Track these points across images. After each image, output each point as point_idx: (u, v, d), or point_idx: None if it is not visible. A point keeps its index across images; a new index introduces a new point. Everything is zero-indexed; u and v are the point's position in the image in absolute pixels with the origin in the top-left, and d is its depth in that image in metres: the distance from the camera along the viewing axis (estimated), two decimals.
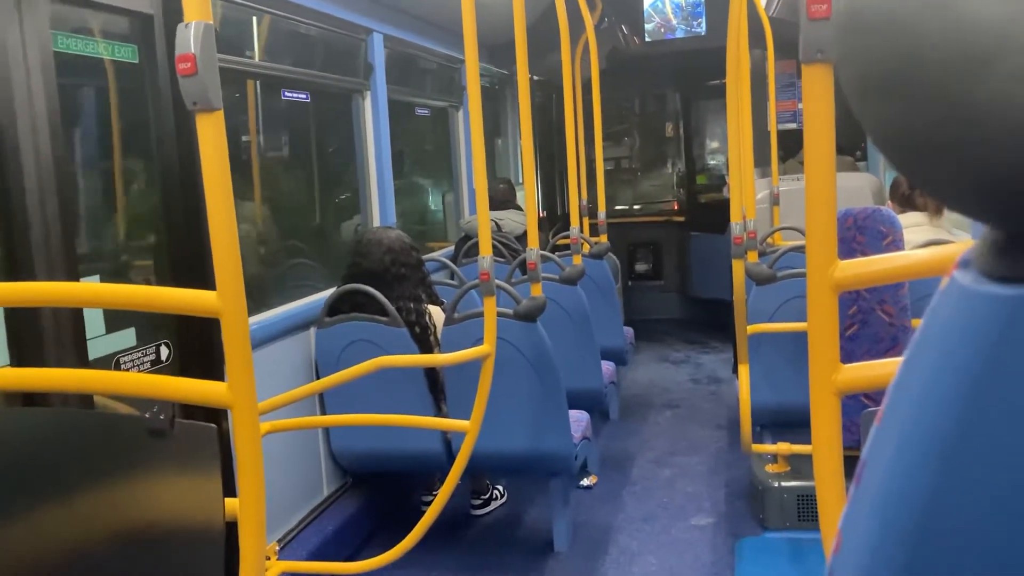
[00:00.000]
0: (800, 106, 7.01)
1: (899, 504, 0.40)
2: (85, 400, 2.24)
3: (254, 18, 3.42)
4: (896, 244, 3.17)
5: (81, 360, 2.30)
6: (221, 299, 1.44)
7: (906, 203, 3.87)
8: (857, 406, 2.91)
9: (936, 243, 3.40)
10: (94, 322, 2.43)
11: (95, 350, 2.42)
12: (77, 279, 2.31)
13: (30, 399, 2.14)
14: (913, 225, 3.69)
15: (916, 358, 0.42)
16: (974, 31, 0.34)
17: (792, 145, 6.56)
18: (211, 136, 1.43)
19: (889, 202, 4.06)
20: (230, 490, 1.52)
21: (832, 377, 1.26)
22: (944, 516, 0.38)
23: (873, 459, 0.44)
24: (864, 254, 3.08)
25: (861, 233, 3.17)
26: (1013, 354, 0.36)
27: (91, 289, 2.10)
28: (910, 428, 0.40)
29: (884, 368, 1.31)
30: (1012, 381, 0.36)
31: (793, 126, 6.95)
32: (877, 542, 0.41)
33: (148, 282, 2.84)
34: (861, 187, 5.33)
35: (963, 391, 0.38)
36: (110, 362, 2.50)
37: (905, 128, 0.38)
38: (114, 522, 1.57)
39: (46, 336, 2.20)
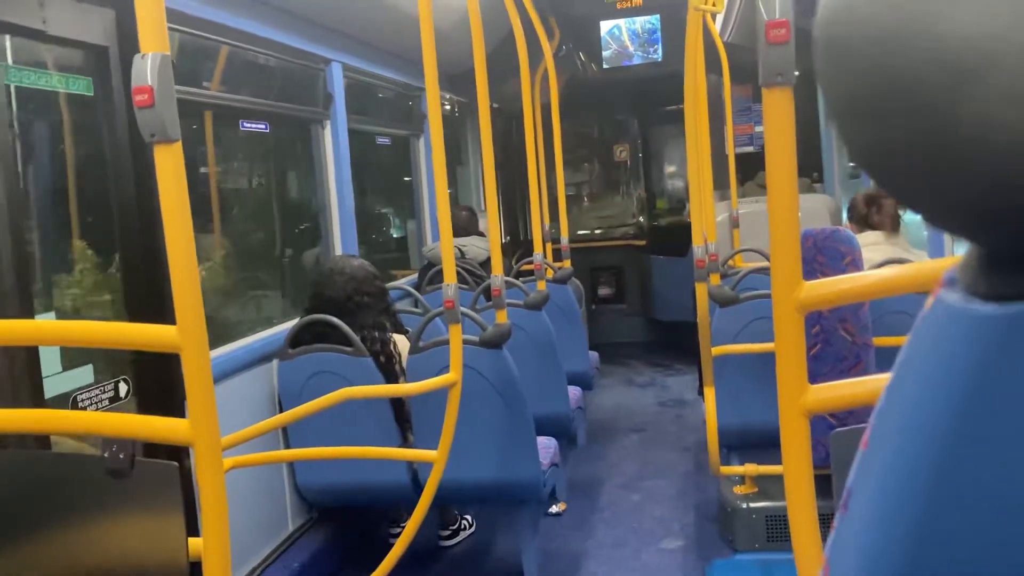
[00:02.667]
0: (757, 129, 7.14)
1: (887, 532, 0.39)
2: (42, 440, 2.18)
3: (212, 48, 3.39)
4: (855, 263, 3.21)
5: (37, 399, 2.24)
6: (181, 334, 1.42)
7: (863, 223, 3.93)
8: (823, 425, 2.93)
9: (894, 262, 3.45)
10: (50, 359, 2.37)
11: (52, 388, 2.36)
12: (32, 316, 2.26)
13: None
14: (871, 244, 3.74)
15: (901, 381, 0.42)
16: (956, 49, 0.34)
17: (750, 168, 6.65)
18: (170, 168, 1.40)
19: (847, 222, 4.11)
20: (194, 528, 1.49)
21: (800, 399, 1.26)
22: (933, 542, 0.37)
23: (859, 486, 0.43)
24: (825, 274, 3.11)
25: (821, 254, 3.21)
26: (1002, 374, 0.36)
27: (47, 327, 2.05)
28: (897, 454, 0.40)
29: (851, 388, 1.32)
30: (1002, 401, 0.36)
31: (750, 149, 7.05)
32: (866, 572, 0.40)
33: (106, 318, 2.78)
34: (818, 208, 5.42)
35: (952, 413, 0.37)
36: (67, 400, 2.44)
37: (888, 147, 0.37)
38: (75, 564, 1.52)
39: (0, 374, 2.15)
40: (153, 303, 2.68)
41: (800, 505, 1.33)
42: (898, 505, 0.39)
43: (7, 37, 2.32)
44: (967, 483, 0.36)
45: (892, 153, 0.37)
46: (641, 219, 8.21)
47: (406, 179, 5.86)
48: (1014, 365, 0.35)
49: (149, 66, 1.39)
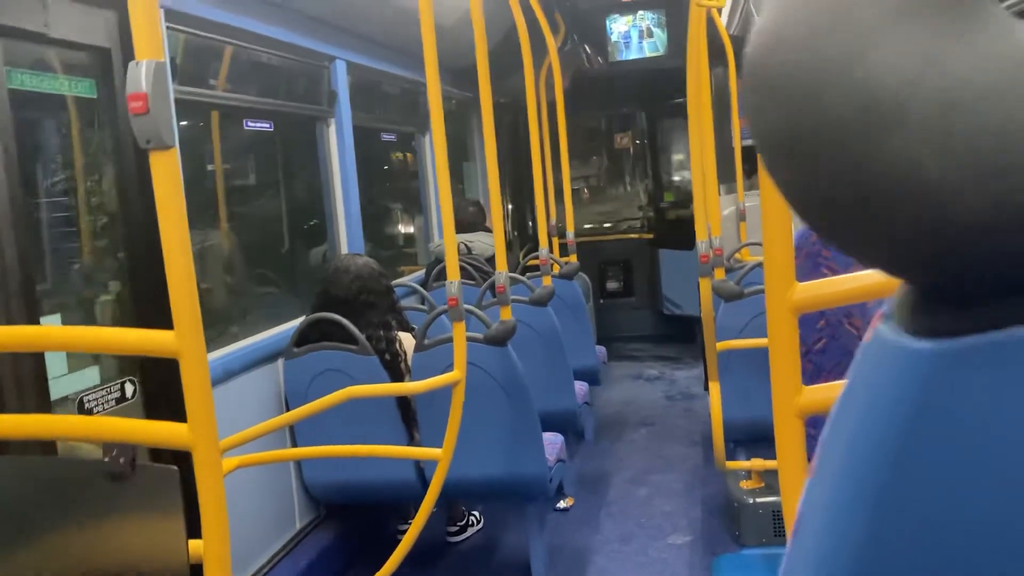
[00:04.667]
0: None
1: (832, 559, 0.39)
2: (46, 443, 2.19)
3: (216, 48, 3.40)
4: None
5: (43, 401, 2.26)
6: (179, 339, 1.43)
7: None
8: (822, 422, 2.92)
9: None
10: (56, 361, 2.39)
11: (58, 390, 2.38)
12: (37, 321, 2.28)
13: None
14: None
15: (843, 411, 0.42)
16: (874, 94, 0.34)
17: (756, 161, 6.61)
18: (166, 175, 1.41)
19: None
20: (197, 531, 1.50)
21: (794, 400, 1.26)
22: (875, 570, 0.38)
23: (807, 513, 0.43)
24: (831, 269, 3.10)
25: (827, 247, 3.20)
26: (934, 408, 0.36)
27: (47, 332, 2.06)
28: (838, 484, 0.40)
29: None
30: (934, 435, 0.36)
31: None
32: None
33: (112, 320, 2.80)
34: None
35: (887, 445, 0.37)
36: (74, 402, 2.46)
37: (810, 187, 0.38)
38: (76, 568, 1.53)
39: (5, 377, 2.16)
40: (159, 307, 2.69)
41: (796, 504, 1.33)
42: (841, 533, 0.39)
43: (10, 41, 2.33)
44: (904, 513, 0.37)
45: (815, 193, 0.38)
46: (649, 213, 8.20)
47: (413, 175, 5.87)
48: (945, 399, 0.36)
49: (144, 73, 1.39)
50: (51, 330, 2.24)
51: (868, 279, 1.35)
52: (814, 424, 1.40)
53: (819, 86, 0.35)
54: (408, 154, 5.95)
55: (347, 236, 4.32)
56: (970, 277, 0.36)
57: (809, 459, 1.34)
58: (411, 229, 6.14)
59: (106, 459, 1.45)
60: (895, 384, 0.38)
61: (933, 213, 0.34)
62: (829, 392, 1.27)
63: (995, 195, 0.33)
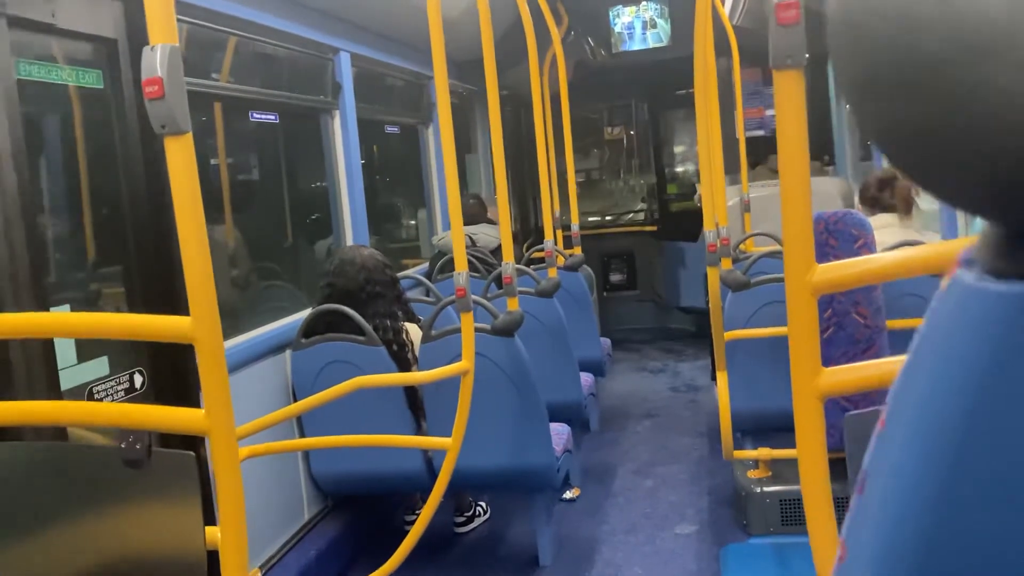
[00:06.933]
0: (767, 113, 7.11)
1: (905, 512, 0.39)
2: (59, 432, 2.19)
3: (221, 40, 3.39)
4: (868, 246, 3.19)
5: (53, 391, 2.26)
6: (195, 325, 1.42)
7: (875, 205, 3.91)
8: (836, 409, 2.92)
9: (907, 244, 3.43)
10: (65, 352, 2.38)
11: (67, 380, 2.38)
12: (47, 309, 2.27)
13: (2, 433, 2.09)
14: (883, 226, 3.72)
15: (918, 361, 0.41)
16: (975, 24, 0.33)
17: (760, 152, 6.61)
18: (180, 159, 1.41)
19: (859, 205, 4.09)
20: (210, 518, 1.50)
21: (814, 382, 1.26)
22: (952, 522, 0.37)
23: (875, 468, 0.43)
24: (837, 258, 3.10)
25: (833, 237, 3.19)
26: (1019, 352, 0.35)
27: (62, 319, 2.06)
28: (914, 434, 0.39)
29: (865, 371, 1.32)
30: (1019, 380, 0.35)
31: (761, 133, 7.02)
32: (883, 552, 0.40)
33: (120, 310, 2.79)
34: (830, 191, 5.38)
35: (970, 391, 0.37)
36: (83, 392, 2.46)
37: (906, 124, 0.37)
38: (93, 555, 1.53)
39: (16, 368, 2.16)
40: (167, 295, 2.70)
41: (815, 488, 1.33)
42: (915, 486, 0.39)
43: (17, 32, 2.32)
44: (985, 463, 0.36)
45: (910, 133, 0.37)
46: (653, 205, 8.19)
47: (416, 168, 5.86)
48: None
49: (159, 58, 1.39)
50: (67, 316, 2.24)
51: (886, 260, 1.35)
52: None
53: (916, 19, 0.34)
54: (411, 147, 5.93)
55: (352, 228, 4.32)
56: None
57: (827, 444, 1.33)
58: (413, 222, 6.13)
59: (122, 445, 1.45)
60: (978, 328, 0.37)
61: None
62: (849, 374, 1.27)
63: None
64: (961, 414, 0.37)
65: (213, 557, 1.51)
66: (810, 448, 1.28)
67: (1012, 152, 0.34)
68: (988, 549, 0.36)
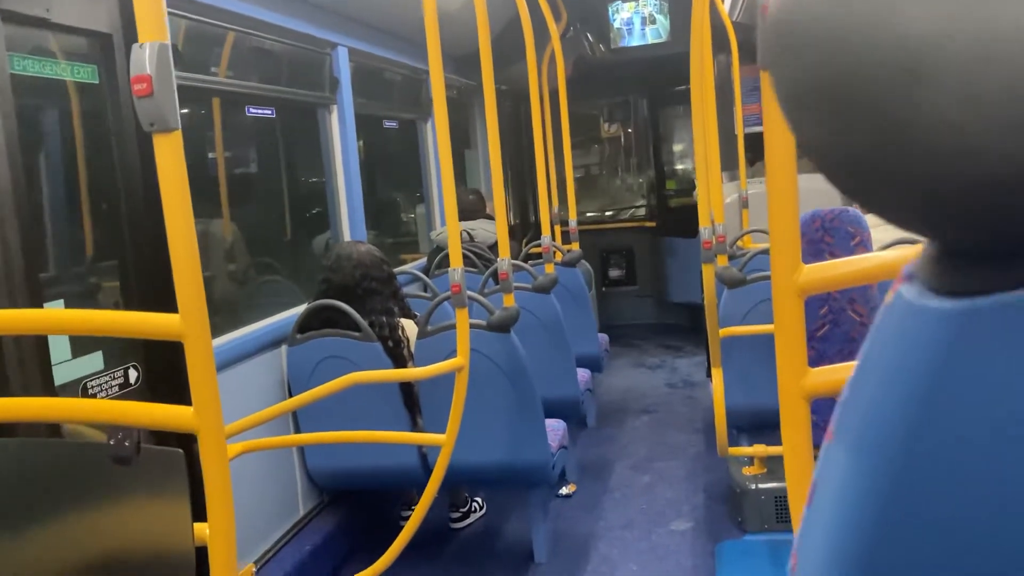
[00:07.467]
0: None
1: (848, 525, 0.39)
2: (52, 427, 2.20)
3: (218, 35, 3.39)
4: (864, 244, 3.19)
5: (47, 386, 2.26)
6: (183, 322, 1.42)
7: None
8: (828, 406, 2.92)
9: (904, 242, 3.43)
10: (59, 347, 2.39)
11: (61, 375, 2.38)
12: (40, 305, 2.28)
13: None
14: (880, 224, 3.71)
15: (863, 374, 0.41)
16: (907, 47, 0.33)
17: (759, 148, 6.58)
18: (169, 157, 1.41)
19: (855, 202, 4.08)
20: (202, 514, 1.50)
21: (800, 382, 1.26)
22: (896, 532, 0.37)
23: (823, 479, 0.43)
24: (833, 255, 3.10)
25: (829, 234, 3.19)
26: (960, 370, 0.36)
27: (51, 316, 2.06)
28: (859, 446, 0.39)
29: (851, 371, 1.31)
30: (959, 397, 0.35)
31: (759, 129, 6.99)
32: (829, 562, 0.40)
33: (115, 305, 2.80)
34: (827, 188, 5.35)
35: (910, 405, 0.37)
36: (77, 387, 2.46)
37: (838, 142, 0.37)
38: (82, 551, 1.54)
39: (10, 363, 2.16)
40: (162, 291, 2.69)
41: (802, 488, 1.33)
42: (859, 498, 0.39)
43: (12, 27, 2.32)
44: (925, 476, 0.36)
45: (843, 148, 0.37)
46: (651, 201, 8.19)
47: (414, 163, 5.85)
48: (969, 359, 0.35)
49: (147, 55, 1.39)
50: (57, 313, 2.24)
51: (873, 261, 1.35)
52: (817, 410, 1.40)
53: (852, 38, 0.34)
54: (408, 141, 5.93)
55: (349, 223, 4.32)
56: (1000, 234, 0.35)
57: (815, 443, 1.34)
58: (412, 217, 6.13)
59: (111, 442, 1.45)
60: (920, 344, 0.37)
61: (964, 168, 0.34)
62: (835, 374, 1.27)
63: None
64: (903, 428, 0.37)
65: (203, 553, 1.51)
66: (796, 448, 1.28)
67: (946, 175, 0.34)
68: (930, 560, 0.36)
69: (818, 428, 1.44)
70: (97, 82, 2.67)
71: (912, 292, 0.39)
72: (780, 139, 1.27)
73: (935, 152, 0.34)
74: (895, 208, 0.38)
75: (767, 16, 0.39)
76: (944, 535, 0.36)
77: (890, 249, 1.59)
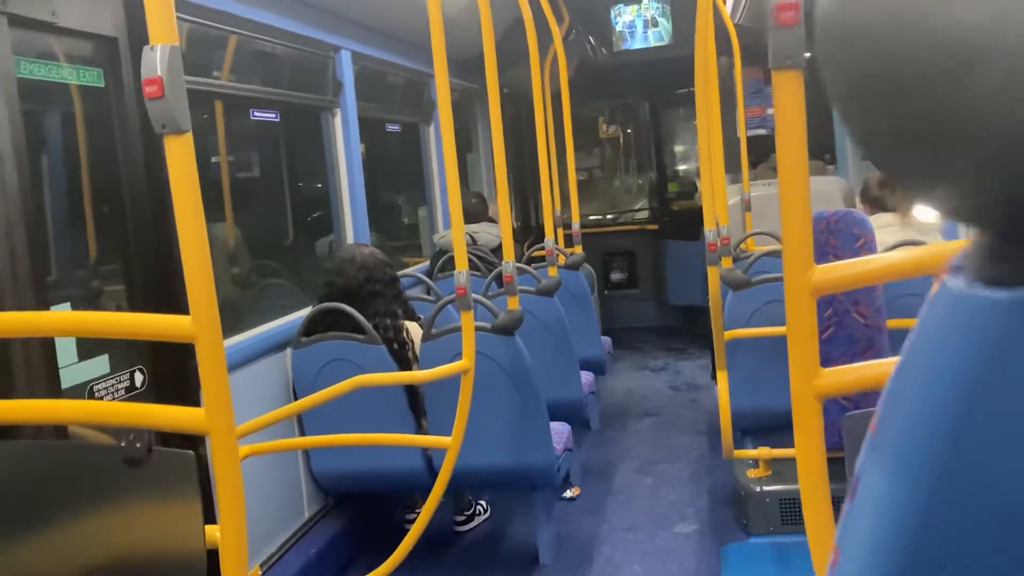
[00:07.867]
0: (769, 111, 7.10)
1: (895, 517, 0.39)
2: (59, 430, 2.20)
3: (222, 38, 3.39)
4: (868, 246, 3.19)
5: (54, 389, 2.26)
6: (195, 324, 1.42)
7: (876, 205, 3.91)
8: (836, 408, 2.92)
9: (908, 244, 3.43)
10: (66, 350, 2.39)
11: (68, 379, 2.38)
12: (47, 308, 2.27)
13: (2, 431, 2.10)
14: (884, 226, 3.72)
15: (908, 367, 0.41)
16: (956, 34, 0.33)
17: (762, 151, 6.61)
18: (180, 159, 1.41)
19: (860, 204, 4.09)
20: (210, 516, 1.50)
21: (813, 382, 1.26)
22: (940, 531, 0.37)
23: (867, 472, 0.43)
24: (838, 257, 3.10)
25: (834, 236, 3.19)
26: (1008, 360, 0.35)
27: (62, 318, 2.06)
28: (905, 439, 0.39)
29: (864, 371, 1.32)
30: (1008, 388, 0.35)
31: (762, 132, 7.01)
32: (874, 556, 0.40)
33: (120, 309, 2.80)
34: (831, 190, 5.38)
35: (958, 400, 0.37)
36: (83, 390, 2.46)
37: (891, 132, 0.37)
38: (93, 553, 1.54)
39: (16, 366, 2.16)
40: (167, 294, 2.70)
41: (813, 488, 1.33)
42: (906, 491, 0.39)
43: (18, 30, 2.32)
44: (974, 468, 0.36)
45: (896, 138, 0.37)
46: (654, 203, 8.19)
47: (417, 166, 5.86)
48: (1018, 350, 0.35)
49: (159, 57, 1.39)
50: (71, 315, 2.24)
51: (885, 261, 1.35)
52: (822, 413, 1.40)
53: (900, 28, 0.35)
54: (412, 144, 5.93)
55: (352, 226, 4.32)
56: None
57: (827, 444, 1.33)
58: (415, 220, 6.13)
59: (122, 444, 1.45)
60: (967, 335, 0.37)
61: (1014, 158, 0.34)
62: (847, 374, 1.27)
63: None
64: (951, 420, 0.37)
65: (213, 555, 1.51)
66: (808, 448, 1.28)
67: (992, 161, 0.34)
68: (979, 554, 0.36)
69: (824, 431, 1.44)
70: (102, 86, 2.67)
71: (960, 282, 0.39)
72: (793, 140, 1.27)
73: (988, 138, 0.34)
74: (948, 196, 0.38)
75: (819, 9, 0.39)
76: (992, 530, 0.36)
77: (899, 251, 1.59)
